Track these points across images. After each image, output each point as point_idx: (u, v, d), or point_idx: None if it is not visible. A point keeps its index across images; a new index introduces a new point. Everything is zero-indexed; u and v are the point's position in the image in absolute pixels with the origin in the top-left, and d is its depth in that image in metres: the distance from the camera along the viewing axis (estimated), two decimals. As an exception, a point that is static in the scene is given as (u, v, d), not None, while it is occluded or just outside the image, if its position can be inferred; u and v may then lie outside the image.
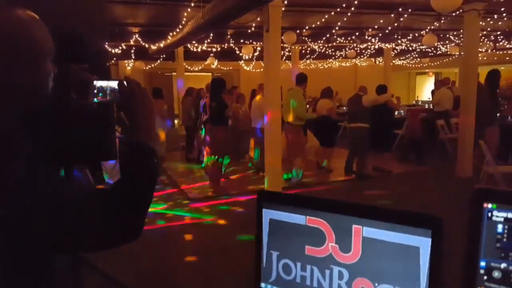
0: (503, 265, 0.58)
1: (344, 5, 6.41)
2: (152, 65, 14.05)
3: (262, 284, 0.96)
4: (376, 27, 8.75)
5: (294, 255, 0.92)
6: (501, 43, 11.89)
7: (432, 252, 0.72)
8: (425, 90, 19.38)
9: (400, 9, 6.97)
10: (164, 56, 12.03)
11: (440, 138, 8.58)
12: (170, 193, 6.07)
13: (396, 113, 10.64)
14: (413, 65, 17.65)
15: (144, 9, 7.02)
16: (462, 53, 10.86)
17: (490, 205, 0.59)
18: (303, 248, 0.90)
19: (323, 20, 7.42)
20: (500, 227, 0.59)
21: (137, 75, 14.40)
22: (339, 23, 7.87)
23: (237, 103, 7.38)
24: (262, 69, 15.00)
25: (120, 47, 10.32)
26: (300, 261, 0.91)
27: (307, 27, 8.33)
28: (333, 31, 8.81)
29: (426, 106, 12.32)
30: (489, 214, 0.59)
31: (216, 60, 12.90)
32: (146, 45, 10.10)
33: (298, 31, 8.42)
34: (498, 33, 10.23)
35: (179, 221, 4.87)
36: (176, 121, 9.93)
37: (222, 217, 4.96)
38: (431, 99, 11.16)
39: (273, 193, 0.97)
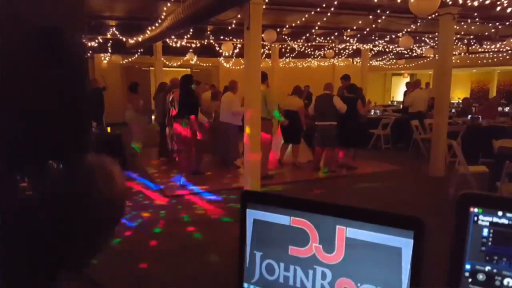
0: (487, 268, 0.60)
1: (324, 5, 6.47)
2: (129, 59, 13.76)
3: (245, 285, 0.96)
4: (354, 28, 8.89)
5: (277, 256, 0.92)
6: (473, 47, 12.33)
7: (414, 253, 0.74)
8: (400, 91, 19.91)
9: (378, 11, 7.10)
10: (142, 50, 11.80)
11: (414, 139, 8.84)
12: (145, 191, 5.98)
13: (373, 112, 10.87)
14: (389, 66, 18.06)
15: (122, 2, 6.86)
16: (436, 56, 11.20)
17: (476, 209, 0.60)
18: (287, 249, 0.90)
19: (303, 19, 7.47)
20: (485, 231, 0.60)
21: (114, 69, 14.07)
22: (318, 23, 7.95)
23: (213, 100, 7.33)
24: (241, 67, 14.98)
25: (96, 40, 10.05)
26: (283, 261, 0.91)
27: (287, 26, 8.36)
28: (313, 30, 8.89)
29: (401, 107, 12.65)
30: (475, 218, 0.61)
31: (196, 56, 12.77)
32: (124, 39, 9.88)
33: (278, 30, 8.45)
34: (471, 37, 10.60)
35: (155, 218, 4.80)
36: (153, 117, 9.75)
37: (199, 215, 4.92)
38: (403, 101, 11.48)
39: (258, 193, 0.97)
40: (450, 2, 5.96)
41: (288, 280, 0.90)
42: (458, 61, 13.78)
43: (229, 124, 6.86)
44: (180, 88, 6.21)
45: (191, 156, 6.35)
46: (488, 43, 11.72)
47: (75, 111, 1.93)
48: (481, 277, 0.60)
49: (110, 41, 10.41)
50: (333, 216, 0.84)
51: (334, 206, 0.86)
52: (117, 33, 8.99)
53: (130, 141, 8.13)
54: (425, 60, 15.38)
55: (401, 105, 11.87)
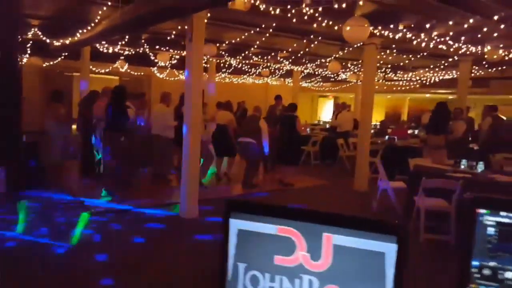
0: (492, 264, 0.68)
1: (263, 26, 6.71)
2: (51, 63, 12.64)
3: (226, 299, 0.93)
4: (289, 50, 9.33)
5: (262, 266, 0.91)
6: (389, 75, 13.75)
7: (398, 257, 0.80)
8: (325, 111, 21.25)
9: (311, 36, 7.57)
10: (66, 54, 10.92)
11: (340, 156, 9.48)
12: (74, 207, 5.49)
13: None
14: (317, 88, 19.21)
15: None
16: (359, 81, 12.19)
17: (483, 211, 0.69)
18: (272, 258, 0.90)
19: (242, 37, 7.64)
20: (491, 230, 0.69)
21: (32, 72, 12.81)
22: (257, 42, 8.19)
23: (140, 109, 7.21)
24: (176, 78, 14.68)
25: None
26: (269, 271, 0.91)
27: (226, 42, 8.46)
28: (251, 49, 9.12)
29: (327, 126, 13.49)
30: (482, 219, 0.69)
31: (127, 64, 12.20)
32: (48, 40, 9.06)
33: (217, 45, 8.51)
34: (388, 66, 11.79)
35: (87, 236, 4.42)
36: (74, 127, 8.82)
37: (132, 230, 4.65)
38: (331, 120, 12.30)
39: (243, 202, 0.96)
40: (378, 34, 6.59)
41: (273, 290, 0.90)
42: (377, 87, 15.20)
43: (161, 137, 6.67)
44: (112, 100, 6.00)
45: (121, 170, 6.02)
46: (401, 72, 13.15)
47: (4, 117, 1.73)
48: (486, 272, 0.68)
49: (30, 42, 9.47)
50: (319, 224, 0.87)
51: (320, 213, 0.88)
52: (39, 33, 8.23)
53: (49, 151, 7.33)
54: (348, 85, 16.67)
55: (327, 125, 12.73)
